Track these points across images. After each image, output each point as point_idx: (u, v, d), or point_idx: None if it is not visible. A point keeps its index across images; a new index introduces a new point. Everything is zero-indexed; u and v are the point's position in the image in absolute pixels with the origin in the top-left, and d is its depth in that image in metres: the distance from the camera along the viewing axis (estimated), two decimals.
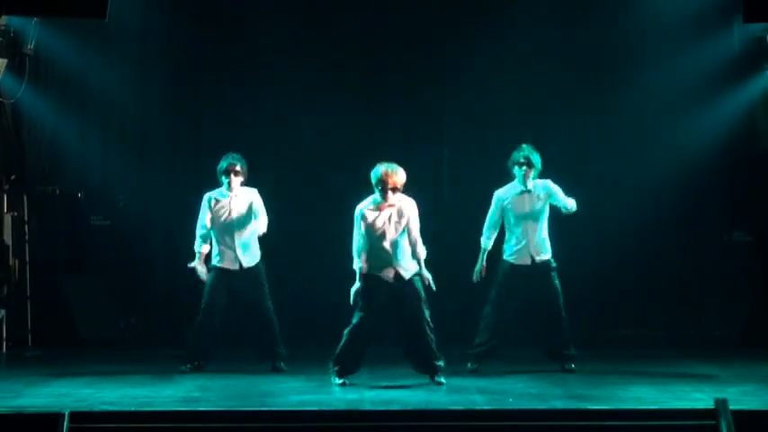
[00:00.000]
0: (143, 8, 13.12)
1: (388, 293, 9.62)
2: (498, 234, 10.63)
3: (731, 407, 7.73)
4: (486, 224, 10.62)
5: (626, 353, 11.91)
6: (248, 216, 10.64)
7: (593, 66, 13.51)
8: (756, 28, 12.43)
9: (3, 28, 12.11)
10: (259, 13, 13.38)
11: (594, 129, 13.52)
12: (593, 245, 13.20)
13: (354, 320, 9.66)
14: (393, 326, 9.81)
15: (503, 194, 10.58)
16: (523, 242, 10.48)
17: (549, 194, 10.49)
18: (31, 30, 12.31)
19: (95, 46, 13.23)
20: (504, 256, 10.59)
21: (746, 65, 13.06)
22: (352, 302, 9.64)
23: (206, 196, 10.71)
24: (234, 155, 10.67)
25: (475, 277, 10.58)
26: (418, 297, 9.62)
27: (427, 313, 9.63)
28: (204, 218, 10.66)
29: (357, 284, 9.62)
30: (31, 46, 12.38)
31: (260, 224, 10.62)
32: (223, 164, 10.65)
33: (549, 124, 12.99)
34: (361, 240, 9.63)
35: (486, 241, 10.60)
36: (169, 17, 13.29)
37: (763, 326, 12.65)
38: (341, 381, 9.66)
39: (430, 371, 9.68)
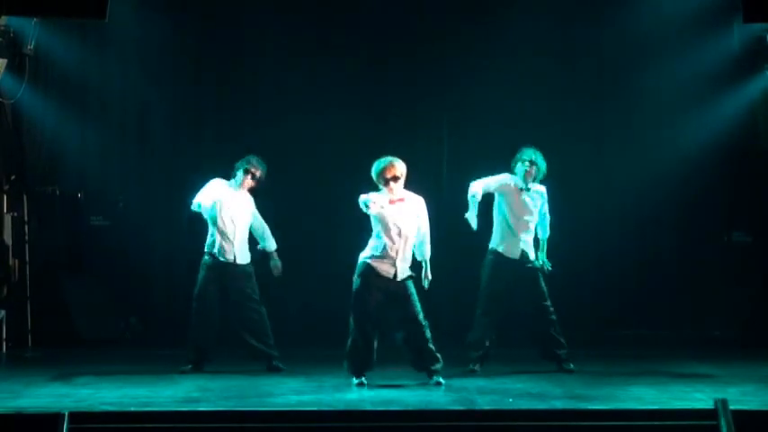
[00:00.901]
0: (143, 8, 13.12)
1: (384, 289, 9.56)
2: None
3: (731, 407, 7.73)
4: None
5: (626, 353, 11.90)
6: (249, 215, 10.61)
7: (593, 66, 13.52)
8: (756, 28, 12.42)
9: (3, 28, 12.10)
10: (258, 12, 13.39)
11: (594, 128, 13.52)
12: (593, 245, 13.20)
13: (353, 317, 9.61)
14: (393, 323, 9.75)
15: (508, 180, 10.41)
16: (513, 238, 10.42)
17: (541, 201, 10.49)
18: (31, 30, 12.29)
19: (95, 46, 13.22)
20: (492, 246, 10.49)
21: (746, 65, 13.06)
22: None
23: (216, 179, 10.56)
24: (259, 160, 10.54)
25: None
26: (409, 299, 9.55)
27: (420, 315, 9.57)
28: (203, 193, 10.40)
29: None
30: (30, 46, 12.36)
31: (268, 241, 10.71)
32: (245, 164, 10.53)
33: (549, 124, 12.99)
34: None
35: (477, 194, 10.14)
36: (169, 18, 13.29)
37: (763, 326, 12.65)
38: (358, 380, 9.55)
39: (426, 370, 9.65)
